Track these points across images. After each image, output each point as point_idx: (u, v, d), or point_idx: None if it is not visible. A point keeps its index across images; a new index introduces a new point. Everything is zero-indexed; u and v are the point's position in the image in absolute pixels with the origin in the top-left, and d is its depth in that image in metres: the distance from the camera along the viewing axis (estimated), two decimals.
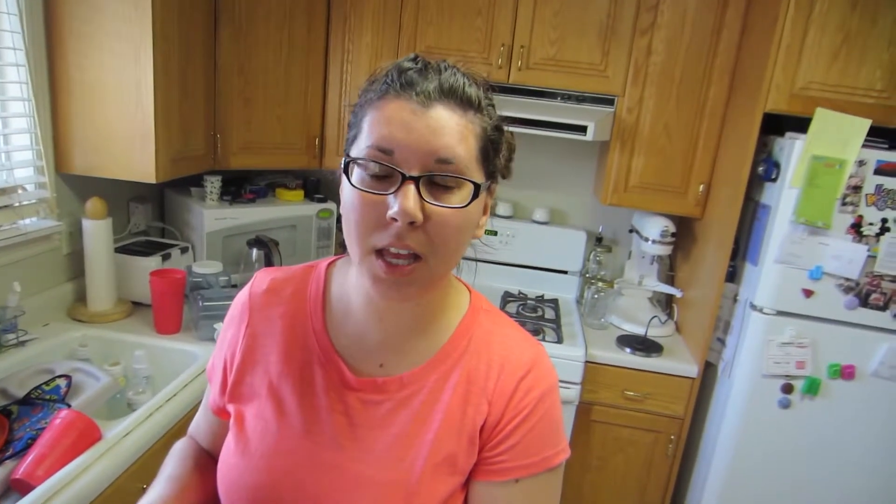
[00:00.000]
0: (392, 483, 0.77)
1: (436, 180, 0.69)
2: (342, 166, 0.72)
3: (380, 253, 0.70)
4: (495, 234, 2.68)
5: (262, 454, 0.80)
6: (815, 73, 1.93)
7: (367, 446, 0.78)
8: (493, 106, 0.75)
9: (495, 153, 0.75)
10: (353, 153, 0.72)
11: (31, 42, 1.80)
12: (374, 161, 0.69)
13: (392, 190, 0.68)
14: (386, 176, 0.69)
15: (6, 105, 1.84)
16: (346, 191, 0.72)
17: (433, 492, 0.77)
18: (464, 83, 0.71)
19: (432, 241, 0.70)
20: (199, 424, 1.01)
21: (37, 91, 1.84)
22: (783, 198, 1.96)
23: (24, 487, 1.26)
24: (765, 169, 2.04)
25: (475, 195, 0.71)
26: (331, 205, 2.56)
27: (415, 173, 0.67)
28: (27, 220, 1.88)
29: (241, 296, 0.91)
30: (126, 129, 1.91)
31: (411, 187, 0.67)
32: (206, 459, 0.96)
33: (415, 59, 0.72)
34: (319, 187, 2.65)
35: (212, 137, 2.25)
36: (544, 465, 0.78)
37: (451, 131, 0.68)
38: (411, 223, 0.67)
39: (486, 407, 0.78)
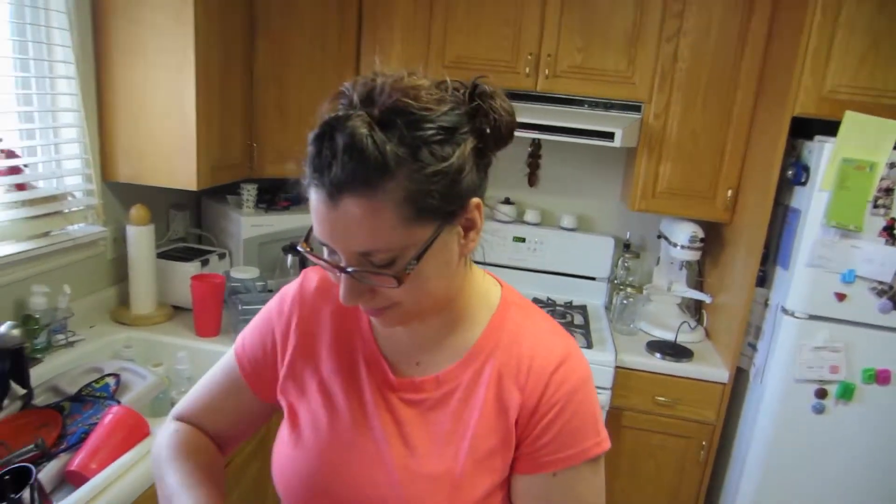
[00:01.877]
0: (438, 477, 0.79)
1: (367, 265, 0.71)
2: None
3: None
4: (523, 241, 2.71)
5: (315, 446, 0.84)
6: (844, 76, 1.94)
7: (412, 443, 0.81)
8: (424, 141, 0.67)
9: (452, 186, 0.70)
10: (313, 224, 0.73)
11: (80, 55, 1.89)
12: (321, 244, 0.73)
13: (338, 273, 0.72)
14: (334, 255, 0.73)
15: (57, 116, 1.92)
16: None
17: (476, 486, 0.79)
18: (364, 150, 0.65)
19: (392, 297, 0.73)
20: (204, 401, 0.98)
21: (85, 102, 1.93)
22: (813, 201, 1.96)
23: (78, 479, 1.31)
24: (794, 173, 2.05)
25: (420, 254, 0.70)
26: None
27: (345, 265, 0.71)
28: (75, 226, 1.96)
29: (290, 291, 0.93)
30: (169, 138, 1.99)
31: (345, 278, 0.72)
32: (214, 452, 0.96)
33: (320, 136, 0.68)
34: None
35: (248, 146, 2.32)
36: (582, 458, 0.79)
37: (362, 224, 0.67)
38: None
39: (518, 401, 0.79)
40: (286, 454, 0.87)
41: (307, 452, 0.84)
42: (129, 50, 1.95)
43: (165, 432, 0.95)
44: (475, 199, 0.73)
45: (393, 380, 0.84)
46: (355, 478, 0.81)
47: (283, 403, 0.90)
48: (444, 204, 0.69)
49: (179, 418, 0.98)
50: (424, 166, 0.67)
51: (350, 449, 0.83)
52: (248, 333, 0.95)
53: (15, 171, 1.75)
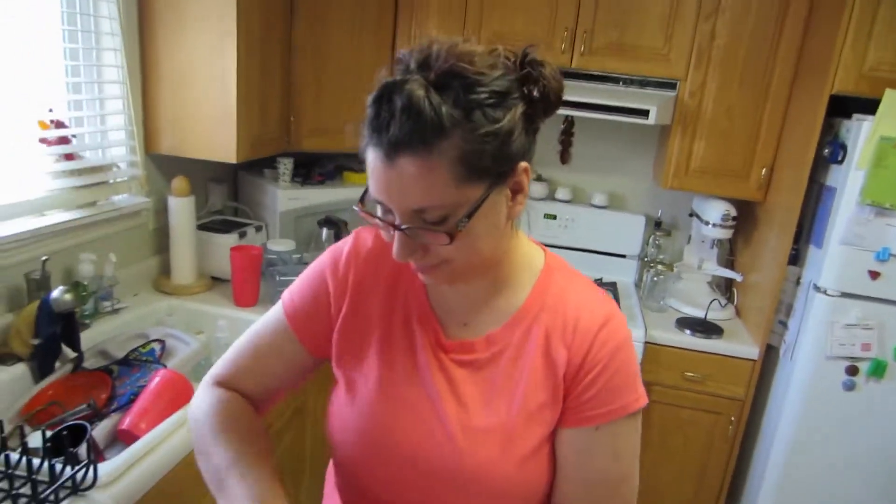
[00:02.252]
0: (492, 429, 0.83)
1: (421, 222, 0.74)
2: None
3: None
4: (554, 218, 2.72)
5: (370, 401, 0.88)
6: (886, 54, 1.93)
7: (464, 399, 0.85)
8: (477, 104, 0.71)
9: (503, 147, 0.73)
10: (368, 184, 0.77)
11: (126, 28, 1.92)
12: (376, 202, 0.76)
13: (392, 231, 0.76)
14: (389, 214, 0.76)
15: (103, 87, 1.97)
16: None
17: (527, 438, 0.83)
18: (421, 111, 0.68)
19: (443, 254, 0.77)
20: (247, 359, 0.98)
21: (130, 74, 1.96)
22: (850, 179, 1.96)
23: (129, 438, 1.37)
24: (831, 151, 2.04)
25: (472, 212, 0.73)
26: None
27: (399, 223, 0.74)
28: (120, 197, 2.01)
29: (344, 249, 0.95)
30: (210, 111, 2.02)
31: (399, 235, 0.75)
32: (259, 425, 0.95)
33: (380, 94, 0.72)
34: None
35: (286, 120, 2.35)
36: (623, 412, 0.83)
37: (416, 181, 0.70)
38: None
39: (565, 359, 0.83)
40: (344, 413, 0.91)
41: (364, 409, 0.88)
42: (172, 24, 1.98)
43: (205, 401, 0.94)
44: (523, 164, 0.77)
45: (445, 341, 0.88)
46: (412, 431, 0.85)
47: (337, 364, 0.94)
48: (495, 165, 0.73)
49: (220, 381, 0.98)
50: (477, 127, 0.70)
51: (406, 404, 0.86)
52: (297, 289, 0.96)
53: (64, 141, 1.80)
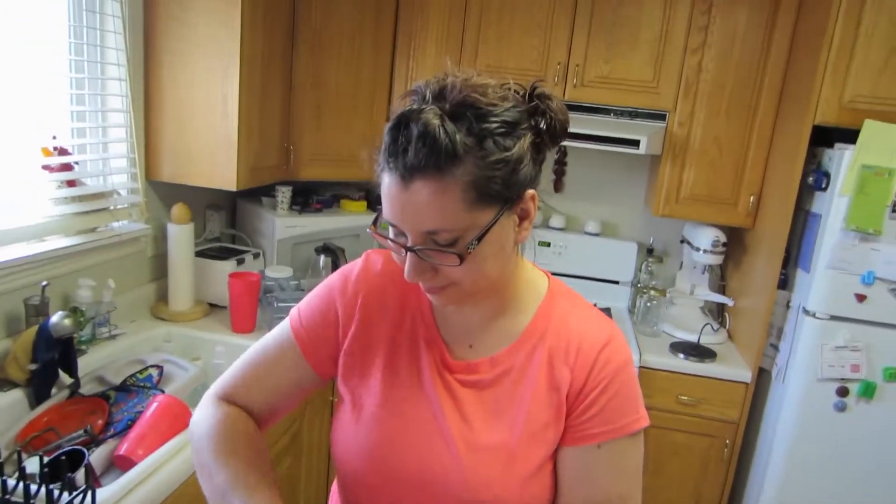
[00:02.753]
0: (495, 447, 0.85)
1: (431, 244, 0.77)
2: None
3: None
4: (548, 245, 2.77)
5: (374, 418, 0.89)
6: (863, 87, 2.02)
7: (469, 417, 0.87)
8: (488, 133, 0.75)
9: (512, 175, 0.76)
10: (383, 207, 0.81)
11: (131, 58, 1.96)
12: (389, 224, 0.80)
13: (404, 252, 0.79)
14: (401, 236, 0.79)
15: (107, 116, 1.99)
16: None
17: (530, 457, 0.85)
18: (437, 138, 0.72)
19: (451, 276, 0.80)
20: (251, 374, 0.98)
21: (133, 103, 2.00)
22: (834, 206, 2.03)
23: (126, 463, 1.36)
24: (815, 179, 2.11)
25: (482, 235, 0.77)
26: None
27: (411, 245, 0.78)
28: (120, 223, 2.02)
29: (354, 270, 0.97)
30: (212, 140, 2.06)
31: (411, 256, 0.78)
32: (260, 444, 0.95)
33: (397, 121, 0.75)
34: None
35: (285, 149, 2.39)
36: (624, 431, 0.85)
37: (430, 204, 0.74)
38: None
39: (568, 379, 0.86)
40: (348, 430, 0.91)
41: (369, 426, 0.89)
42: (176, 54, 2.02)
43: (208, 418, 0.94)
44: (531, 191, 0.81)
45: (450, 361, 0.90)
46: (416, 449, 0.87)
47: (343, 382, 0.94)
48: (504, 191, 0.77)
49: (223, 396, 0.98)
50: (489, 155, 0.74)
51: (411, 423, 0.88)
52: (305, 307, 0.98)
53: (66, 167, 1.82)
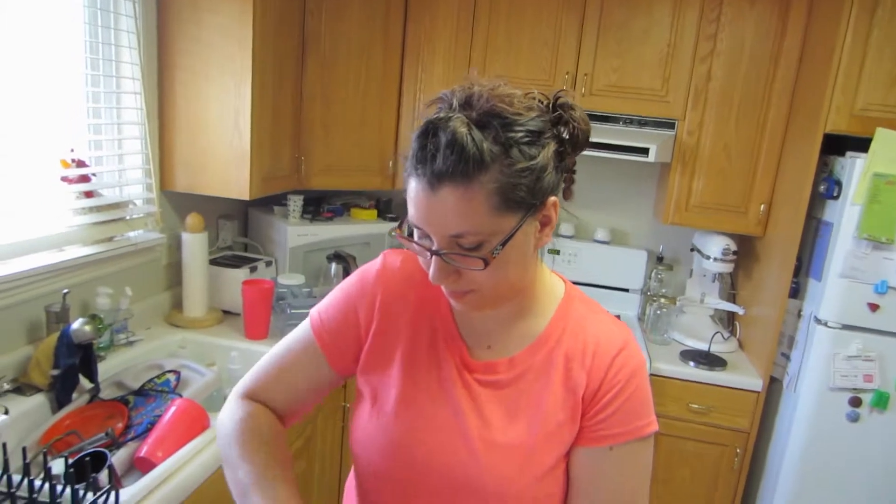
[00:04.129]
0: (513, 446, 0.87)
1: (456, 248, 0.79)
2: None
3: None
4: (558, 253, 2.78)
5: (394, 416, 0.91)
6: (875, 95, 2.01)
7: (487, 416, 0.89)
8: (514, 142, 0.77)
9: (536, 182, 0.78)
10: (409, 211, 0.83)
11: (146, 72, 2.01)
12: (415, 227, 0.82)
13: (429, 255, 0.81)
14: (426, 240, 0.82)
15: (122, 128, 2.04)
16: None
17: (545, 456, 0.87)
18: (465, 146, 0.74)
19: (474, 282, 0.82)
20: (275, 373, 1.01)
21: (149, 116, 2.04)
22: (846, 215, 2.02)
23: (146, 465, 1.39)
24: (826, 187, 2.10)
25: (506, 241, 0.79)
26: None
27: (437, 249, 0.80)
28: (136, 233, 2.06)
29: (372, 271, 0.99)
30: (225, 151, 2.10)
31: (436, 260, 0.80)
32: (283, 441, 0.98)
33: (425, 129, 0.77)
34: (391, 207, 2.81)
35: (296, 159, 2.43)
36: (635, 434, 0.87)
37: (456, 209, 0.76)
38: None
39: (584, 380, 0.88)
40: (367, 426, 0.94)
41: (387, 422, 0.92)
42: (190, 69, 2.07)
43: (233, 414, 0.97)
44: (553, 198, 0.83)
45: (470, 361, 0.92)
46: (436, 446, 0.89)
47: (364, 379, 0.97)
48: (529, 197, 0.79)
49: (247, 394, 1.01)
50: (514, 163, 0.77)
51: (430, 420, 0.90)
52: (325, 308, 1.00)
53: (84, 179, 1.86)
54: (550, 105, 0.83)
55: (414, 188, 0.79)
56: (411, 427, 0.91)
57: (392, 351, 0.95)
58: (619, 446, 0.87)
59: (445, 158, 0.75)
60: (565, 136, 0.83)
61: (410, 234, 0.84)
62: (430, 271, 0.81)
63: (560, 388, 0.89)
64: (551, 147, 0.80)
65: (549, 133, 0.81)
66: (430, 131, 0.77)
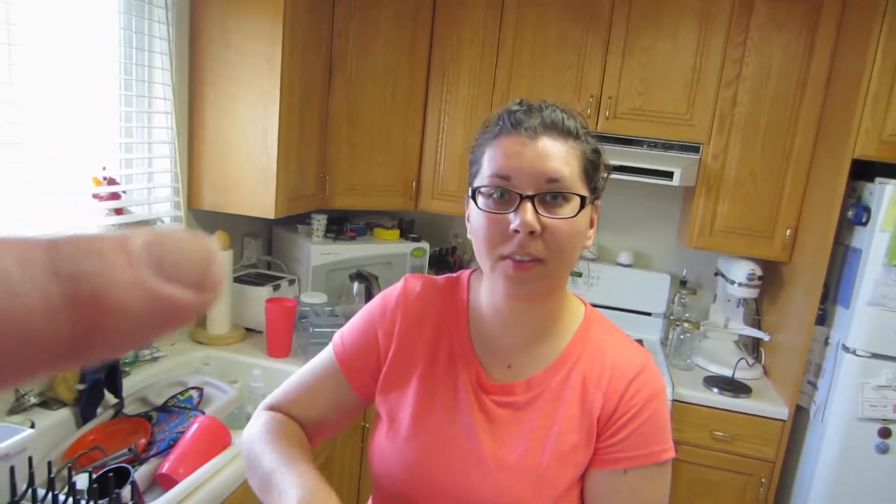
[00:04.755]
0: (525, 468, 0.87)
1: (548, 197, 0.82)
2: (469, 196, 0.88)
3: (507, 257, 0.83)
4: (580, 275, 2.77)
5: (410, 436, 0.92)
6: None
7: (501, 438, 0.90)
8: (589, 134, 0.88)
9: (595, 172, 0.87)
10: (477, 184, 0.86)
11: (177, 93, 2.06)
12: (495, 187, 0.83)
13: (512, 209, 0.82)
14: (506, 199, 0.83)
15: (153, 147, 2.08)
16: (474, 215, 0.87)
17: (559, 478, 0.87)
18: (563, 117, 0.84)
19: (549, 246, 0.82)
20: (300, 392, 1.02)
21: (178, 136, 2.09)
22: (874, 241, 1.99)
23: (168, 482, 1.40)
24: (854, 213, 2.08)
25: (582, 206, 0.83)
26: (424, 244, 2.72)
27: (530, 192, 0.81)
28: None
29: (393, 294, 1.01)
30: (252, 170, 2.13)
31: (528, 204, 0.81)
32: (306, 440, 0.99)
33: (520, 103, 0.86)
34: (413, 227, 2.82)
35: (321, 179, 2.46)
36: (651, 459, 0.86)
37: (556, 155, 0.82)
38: (531, 233, 0.80)
39: (600, 402, 0.88)
40: (385, 447, 0.95)
41: (404, 443, 0.92)
42: (219, 89, 2.11)
43: (258, 421, 0.98)
44: (599, 201, 0.90)
45: (486, 382, 0.93)
46: (450, 467, 0.90)
47: (381, 400, 0.98)
48: (594, 180, 0.87)
49: (273, 407, 1.02)
50: (590, 149, 0.87)
51: (445, 441, 0.91)
52: (348, 332, 1.01)
53: (114, 196, 1.90)
54: None
55: (503, 145, 0.84)
56: (426, 449, 0.91)
57: (409, 373, 0.96)
58: (634, 470, 0.87)
59: (544, 119, 0.83)
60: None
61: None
62: (522, 215, 0.80)
63: (576, 410, 0.89)
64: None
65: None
66: (521, 106, 0.86)
